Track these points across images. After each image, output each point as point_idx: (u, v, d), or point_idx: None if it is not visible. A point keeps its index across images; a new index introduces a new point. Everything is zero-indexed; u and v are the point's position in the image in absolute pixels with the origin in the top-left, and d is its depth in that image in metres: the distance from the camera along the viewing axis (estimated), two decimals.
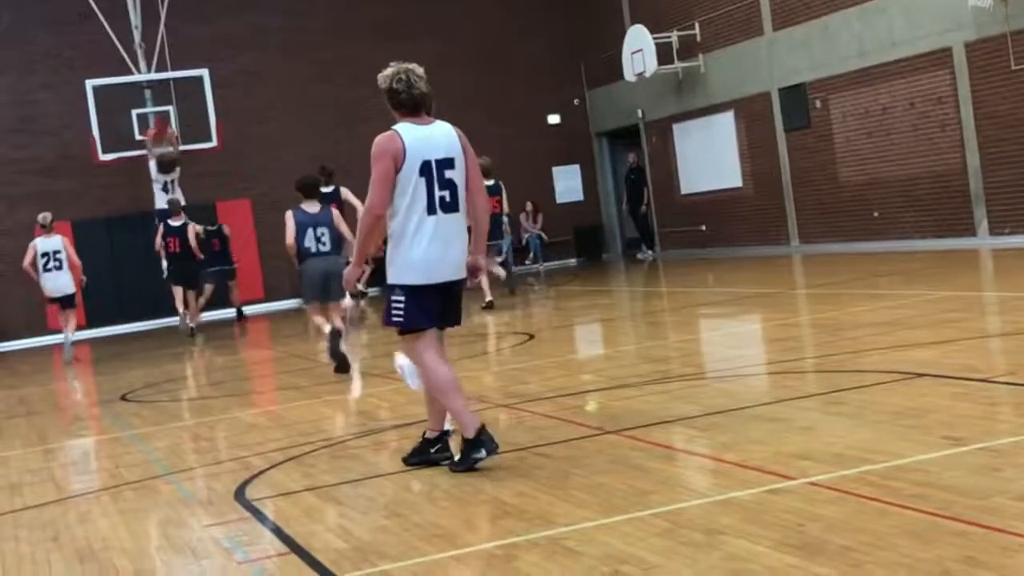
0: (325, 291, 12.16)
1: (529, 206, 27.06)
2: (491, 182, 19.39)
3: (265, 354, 16.09)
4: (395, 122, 6.70)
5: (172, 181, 20.61)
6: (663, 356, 11.03)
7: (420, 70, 6.71)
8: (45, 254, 17.60)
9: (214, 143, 21.50)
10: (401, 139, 6.52)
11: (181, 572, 5.64)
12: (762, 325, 12.77)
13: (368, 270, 13.71)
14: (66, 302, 17.90)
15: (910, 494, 5.06)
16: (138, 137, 21.15)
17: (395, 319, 6.68)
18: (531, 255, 27.05)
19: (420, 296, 6.61)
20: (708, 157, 24.08)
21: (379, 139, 6.58)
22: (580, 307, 17.92)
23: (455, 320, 6.93)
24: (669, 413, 7.76)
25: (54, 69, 23.45)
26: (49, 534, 6.62)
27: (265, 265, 24.46)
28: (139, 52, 21.85)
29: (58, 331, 20.91)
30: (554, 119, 27.58)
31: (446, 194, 6.58)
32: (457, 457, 6.68)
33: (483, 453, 6.54)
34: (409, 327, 6.69)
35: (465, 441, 6.59)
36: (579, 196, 28.11)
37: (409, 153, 6.49)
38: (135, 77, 21.58)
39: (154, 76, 21.63)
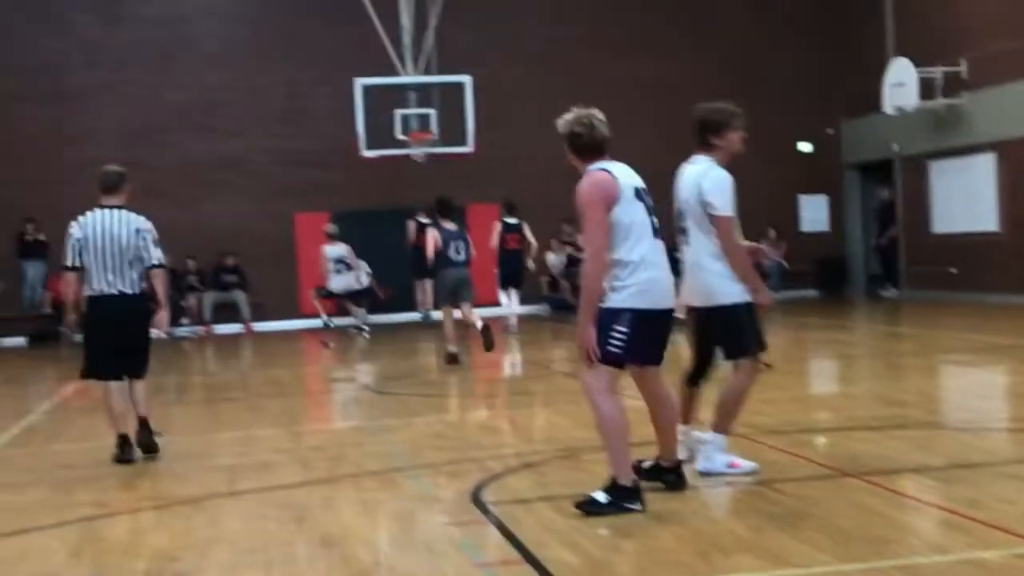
0: (457, 294, 14.66)
1: (772, 233, 26.70)
2: (514, 220, 19.31)
3: (502, 358, 16.37)
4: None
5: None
6: (903, 400, 10.74)
7: (601, 115, 6.66)
8: (332, 259, 20.43)
9: (470, 148, 21.95)
10: (611, 174, 6.50)
11: (418, 569, 5.79)
12: (1013, 377, 12.28)
13: None
14: (350, 296, 20.84)
15: None
16: (400, 137, 21.80)
17: (613, 349, 6.41)
18: (770, 282, 26.68)
19: (647, 324, 6.49)
20: (964, 198, 23.25)
21: (588, 182, 6.49)
22: (819, 340, 17.60)
23: (662, 355, 6.71)
24: (909, 460, 7.59)
25: (324, 65, 24.41)
26: (295, 515, 6.94)
27: None
28: (407, 54, 22.55)
29: (310, 316, 22.93)
30: (805, 147, 27.07)
31: (655, 219, 6.62)
32: (602, 495, 6.41)
33: (638, 505, 6.37)
34: (626, 360, 6.49)
35: (619, 486, 6.42)
36: (824, 227, 27.56)
37: (623, 184, 6.51)
38: (402, 79, 22.23)
39: (420, 79, 22.23)
